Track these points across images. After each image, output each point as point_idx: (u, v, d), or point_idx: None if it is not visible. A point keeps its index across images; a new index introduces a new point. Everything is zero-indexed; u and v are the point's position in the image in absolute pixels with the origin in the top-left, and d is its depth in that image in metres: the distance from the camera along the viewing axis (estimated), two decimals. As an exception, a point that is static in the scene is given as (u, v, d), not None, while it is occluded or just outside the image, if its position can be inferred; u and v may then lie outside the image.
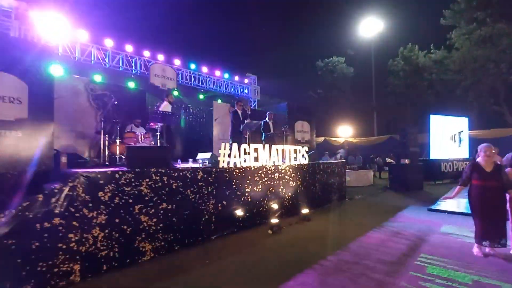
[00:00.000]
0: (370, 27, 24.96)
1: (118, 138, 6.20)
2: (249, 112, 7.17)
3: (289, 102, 12.79)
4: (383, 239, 4.47)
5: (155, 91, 10.01)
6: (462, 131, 13.69)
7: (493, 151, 3.62)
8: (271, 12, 35.12)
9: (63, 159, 5.26)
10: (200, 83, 12.91)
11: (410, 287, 2.85)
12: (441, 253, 3.78)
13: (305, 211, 6.06)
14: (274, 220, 5.28)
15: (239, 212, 4.99)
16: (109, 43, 9.86)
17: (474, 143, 12.50)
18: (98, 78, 8.34)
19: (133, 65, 10.64)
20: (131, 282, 3.09)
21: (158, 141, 6.90)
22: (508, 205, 3.71)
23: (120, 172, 3.48)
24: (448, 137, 13.23)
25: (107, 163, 6.01)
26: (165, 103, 6.33)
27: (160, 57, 11.12)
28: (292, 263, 3.48)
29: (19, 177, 4.40)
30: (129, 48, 10.41)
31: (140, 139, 6.48)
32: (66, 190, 3.06)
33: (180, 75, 11.99)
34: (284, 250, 4.01)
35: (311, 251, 3.96)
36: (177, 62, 11.81)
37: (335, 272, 3.23)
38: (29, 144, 4.61)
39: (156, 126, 6.81)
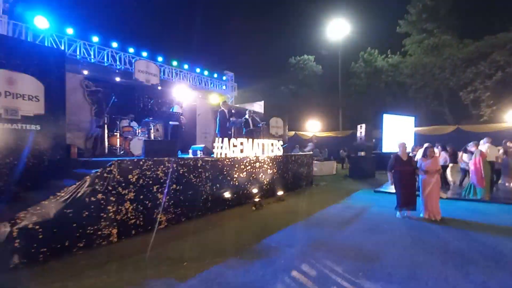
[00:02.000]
0: (337, 30, 26.93)
1: (118, 131, 6.97)
2: (234, 111, 8.30)
3: (265, 100, 14.05)
4: (339, 210, 6.02)
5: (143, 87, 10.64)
6: (409, 128, 16.11)
7: (406, 147, 5.28)
8: (248, 11, 35.96)
9: (74, 150, 6.00)
10: (182, 79, 13.65)
11: (351, 233, 4.34)
12: (376, 217, 5.40)
13: (280, 193, 7.45)
14: (256, 200, 6.56)
15: (229, 194, 6.19)
16: (95, 38, 10.25)
17: (420, 138, 14.98)
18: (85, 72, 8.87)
19: (118, 60, 11.11)
20: (157, 242, 4.13)
21: (152, 134, 7.79)
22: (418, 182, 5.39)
23: (143, 160, 4.48)
24: (398, 132, 15.52)
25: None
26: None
27: (144, 53, 11.70)
28: (274, 226, 4.79)
29: (38, 165, 5.17)
30: (114, 44, 10.85)
31: (137, 133, 7.31)
32: (105, 173, 4.01)
33: (162, 71, 12.62)
34: (267, 219, 5.33)
35: (286, 219, 5.30)
36: (159, 59, 12.44)
37: (304, 228, 4.66)
38: (46, 136, 5.35)
39: (151, 122, 7.70)
